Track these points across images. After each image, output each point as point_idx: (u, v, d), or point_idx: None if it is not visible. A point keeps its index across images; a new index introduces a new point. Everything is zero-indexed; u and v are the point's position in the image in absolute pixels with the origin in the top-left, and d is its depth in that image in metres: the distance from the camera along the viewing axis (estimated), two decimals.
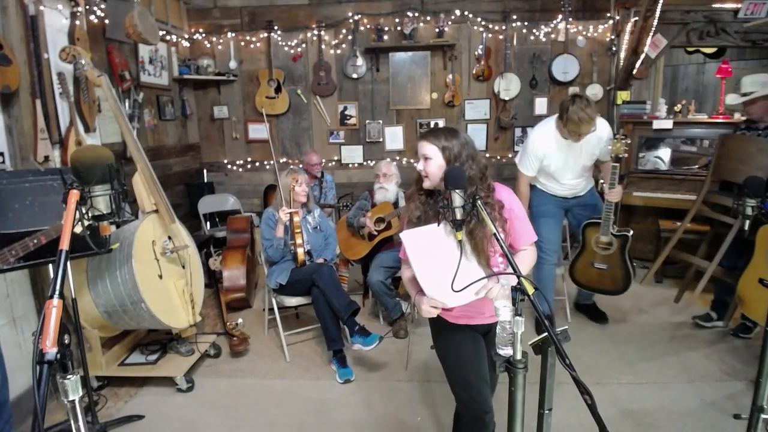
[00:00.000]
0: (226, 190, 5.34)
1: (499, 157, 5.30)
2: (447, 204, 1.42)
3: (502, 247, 1.36)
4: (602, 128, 2.99)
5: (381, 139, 5.30)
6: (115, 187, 1.54)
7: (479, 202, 1.42)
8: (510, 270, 1.34)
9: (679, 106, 4.47)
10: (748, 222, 2.10)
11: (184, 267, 2.95)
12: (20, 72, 2.56)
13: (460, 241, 1.41)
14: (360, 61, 5.09)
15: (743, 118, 4.10)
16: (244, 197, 5.31)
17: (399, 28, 4.99)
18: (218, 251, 4.31)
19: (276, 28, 5.03)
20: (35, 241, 1.92)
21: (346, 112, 5.28)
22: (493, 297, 1.55)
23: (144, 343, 3.10)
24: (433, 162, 1.62)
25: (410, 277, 1.76)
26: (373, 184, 3.78)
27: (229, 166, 5.43)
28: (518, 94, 5.09)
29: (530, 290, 1.23)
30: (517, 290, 1.24)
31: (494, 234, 1.38)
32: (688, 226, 3.82)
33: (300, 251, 3.08)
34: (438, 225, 1.55)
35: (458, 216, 1.38)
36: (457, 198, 1.38)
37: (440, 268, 1.51)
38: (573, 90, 5.02)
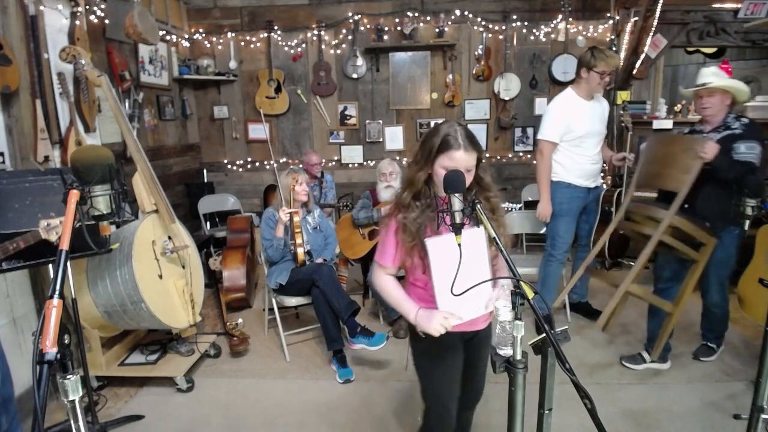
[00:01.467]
0: (226, 190, 5.34)
1: (499, 157, 5.30)
2: (447, 208, 1.40)
3: (501, 251, 1.36)
4: (603, 100, 3.26)
5: (381, 139, 5.30)
6: (115, 187, 1.54)
7: (479, 206, 1.42)
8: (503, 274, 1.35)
9: (679, 106, 4.48)
10: (748, 222, 2.11)
11: (184, 267, 2.95)
12: (20, 72, 2.56)
13: (459, 245, 1.40)
14: (360, 61, 5.09)
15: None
16: (244, 197, 5.31)
17: (399, 28, 4.99)
18: (218, 251, 4.31)
19: (276, 28, 5.03)
20: (14, 245, 1.93)
21: (346, 112, 5.28)
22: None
23: (144, 343, 3.10)
24: (472, 171, 1.54)
25: (398, 291, 1.63)
26: (374, 184, 3.78)
27: (229, 166, 5.43)
28: (518, 94, 5.09)
29: (530, 294, 1.23)
30: (517, 294, 1.24)
31: (494, 238, 1.38)
32: None
33: (300, 251, 3.07)
34: (436, 229, 1.53)
35: (457, 220, 1.38)
36: (457, 202, 1.37)
37: (460, 280, 1.47)
38: None
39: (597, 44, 4.94)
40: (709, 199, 2.55)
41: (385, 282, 1.66)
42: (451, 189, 1.38)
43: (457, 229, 1.37)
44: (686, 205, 2.60)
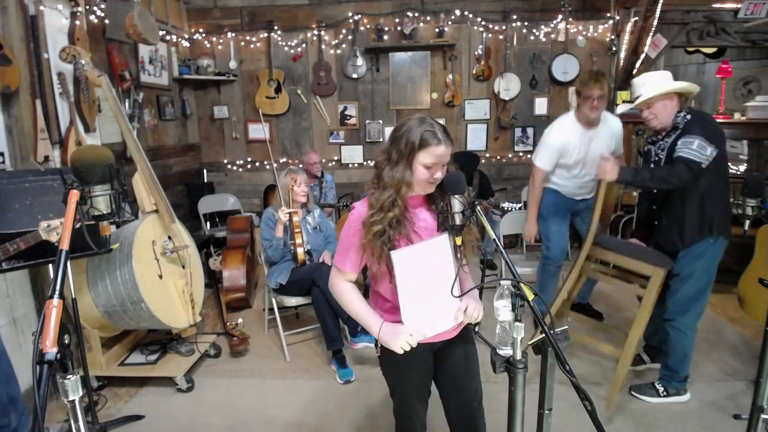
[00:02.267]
0: (226, 190, 5.34)
1: (499, 157, 5.30)
2: (446, 209, 1.38)
3: (502, 252, 1.35)
4: (613, 121, 3.06)
5: (381, 139, 5.29)
6: (115, 187, 1.54)
7: (478, 208, 1.41)
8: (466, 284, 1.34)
9: None
10: (748, 222, 2.10)
11: (184, 267, 2.95)
12: (20, 72, 2.56)
13: (459, 246, 1.39)
14: (360, 61, 5.09)
15: (743, 119, 4.13)
16: (244, 197, 5.31)
17: (399, 28, 4.99)
18: (218, 251, 4.31)
19: (276, 28, 5.03)
20: (15, 246, 1.94)
21: (346, 112, 5.28)
22: (476, 318, 1.52)
23: (144, 343, 3.10)
24: (446, 166, 1.47)
25: (360, 302, 1.55)
26: None
27: (229, 166, 5.43)
28: (518, 94, 5.09)
29: (530, 296, 1.22)
30: (517, 296, 1.23)
31: (494, 240, 1.37)
32: None
33: (300, 251, 3.07)
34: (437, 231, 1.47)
35: (458, 221, 1.36)
36: (457, 204, 1.36)
37: (427, 291, 1.45)
38: (572, 89, 5.04)
39: (597, 44, 4.97)
40: (675, 212, 2.38)
41: (346, 290, 1.56)
42: (452, 190, 1.36)
43: (457, 230, 1.36)
44: (657, 221, 2.50)
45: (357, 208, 1.53)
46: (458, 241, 1.37)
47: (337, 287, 1.58)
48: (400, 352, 1.42)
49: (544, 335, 1.19)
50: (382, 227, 1.42)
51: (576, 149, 2.99)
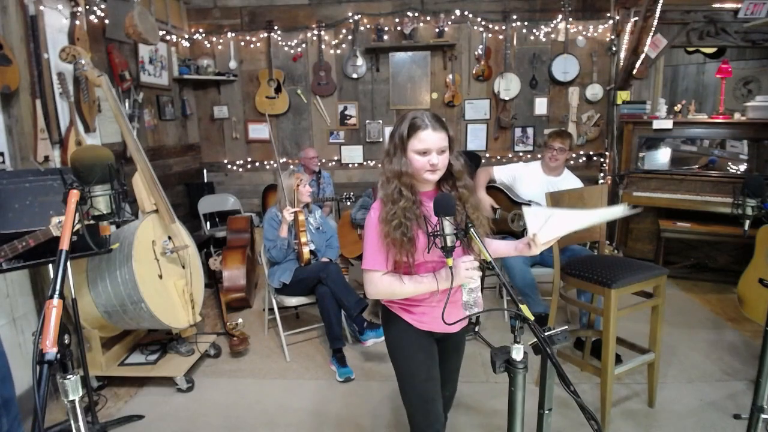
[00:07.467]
0: (226, 190, 5.34)
1: (499, 157, 5.30)
2: (436, 231, 1.36)
3: (499, 276, 1.33)
4: (575, 180, 3.35)
5: (381, 139, 5.29)
6: (115, 187, 1.53)
7: (472, 230, 1.41)
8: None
9: (679, 106, 4.47)
10: (748, 222, 2.10)
11: (184, 267, 2.95)
12: (20, 72, 2.56)
13: (450, 268, 1.38)
14: (360, 61, 5.09)
15: (743, 119, 4.13)
16: (244, 197, 5.31)
17: (399, 28, 4.99)
18: (218, 251, 4.31)
19: (276, 28, 5.03)
20: (24, 243, 1.94)
21: (346, 112, 5.28)
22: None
23: (144, 343, 3.10)
24: (446, 153, 1.54)
25: (406, 278, 1.55)
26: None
27: (229, 166, 5.43)
28: (518, 94, 5.09)
29: (531, 317, 1.20)
30: (516, 318, 1.21)
31: (490, 263, 1.36)
32: (687, 227, 3.86)
33: (305, 250, 3.07)
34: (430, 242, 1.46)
35: (449, 243, 1.35)
36: (448, 225, 1.34)
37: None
38: (573, 90, 5.04)
39: (597, 44, 4.97)
40: None
41: (391, 282, 1.55)
42: (442, 212, 1.34)
43: (448, 252, 1.35)
44: None
45: (373, 209, 1.59)
46: (449, 262, 1.36)
47: (382, 287, 1.57)
48: (471, 277, 1.46)
49: (544, 334, 1.19)
50: (398, 220, 1.48)
51: (528, 186, 3.32)
